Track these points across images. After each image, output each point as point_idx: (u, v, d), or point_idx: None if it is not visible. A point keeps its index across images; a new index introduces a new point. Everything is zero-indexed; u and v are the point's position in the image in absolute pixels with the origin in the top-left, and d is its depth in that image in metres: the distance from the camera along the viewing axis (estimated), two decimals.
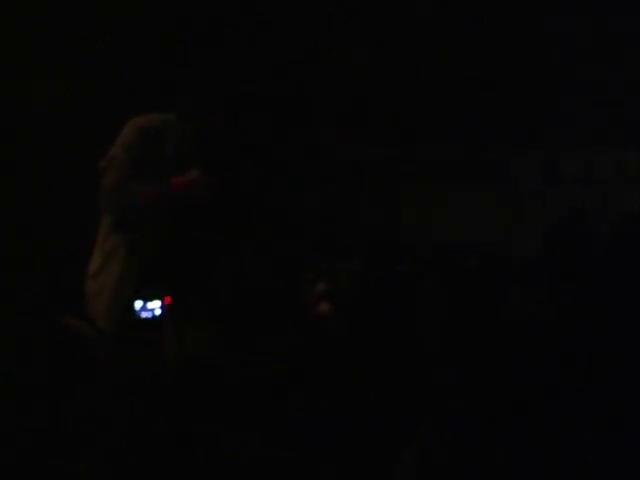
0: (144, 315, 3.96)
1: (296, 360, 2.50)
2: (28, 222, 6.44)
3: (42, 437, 2.12)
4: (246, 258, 4.18)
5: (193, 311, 3.84)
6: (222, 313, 3.95)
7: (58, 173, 6.17)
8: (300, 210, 7.24)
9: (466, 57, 7.23)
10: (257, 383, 2.33)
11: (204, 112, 3.71)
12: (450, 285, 3.60)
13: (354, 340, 2.80)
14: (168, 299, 3.96)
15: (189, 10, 7.26)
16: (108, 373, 2.16)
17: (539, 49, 7.13)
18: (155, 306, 3.94)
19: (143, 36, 6.67)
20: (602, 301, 3.62)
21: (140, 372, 2.12)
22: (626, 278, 3.68)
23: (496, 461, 2.57)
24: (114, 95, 6.30)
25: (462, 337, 3.03)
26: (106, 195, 3.61)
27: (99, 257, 3.76)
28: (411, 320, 3.36)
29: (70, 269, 5.18)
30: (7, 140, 6.71)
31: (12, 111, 6.77)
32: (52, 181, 6.56)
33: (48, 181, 6.63)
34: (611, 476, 2.51)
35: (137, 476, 2.00)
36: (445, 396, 2.82)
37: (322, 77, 7.41)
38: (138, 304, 3.88)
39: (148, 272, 3.82)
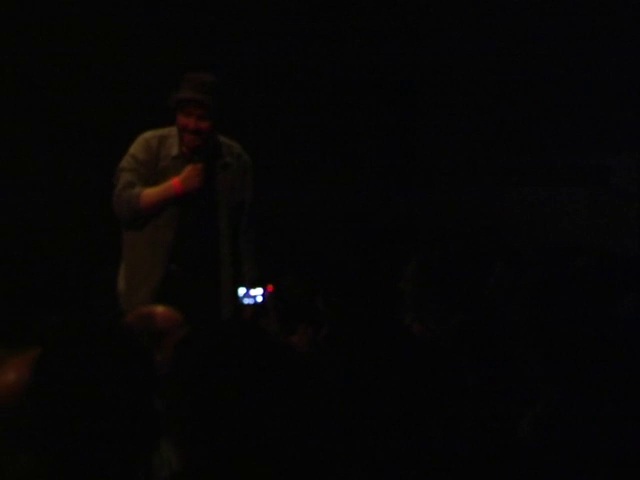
0: (247, 301, 4.18)
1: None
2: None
3: None
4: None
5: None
6: None
7: None
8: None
9: (566, 72, 7.55)
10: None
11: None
12: (556, 285, 3.35)
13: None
14: (270, 287, 4.19)
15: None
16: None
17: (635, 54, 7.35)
18: (257, 293, 4.17)
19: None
20: None
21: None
22: None
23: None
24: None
25: (568, 344, 2.71)
26: (113, 200, 4.19)
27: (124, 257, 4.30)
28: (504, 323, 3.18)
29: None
30: None
31: None
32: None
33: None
34: None
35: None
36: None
37: None
38: (241, 291, 4.16)
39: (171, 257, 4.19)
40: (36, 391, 1.88)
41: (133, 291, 4.19)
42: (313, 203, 7.78)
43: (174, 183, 4.17)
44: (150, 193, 4.16)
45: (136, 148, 4.22)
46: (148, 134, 4.26)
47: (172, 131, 4.24)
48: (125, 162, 4.21)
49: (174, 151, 4.23)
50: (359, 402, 2.09)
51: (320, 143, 7.97)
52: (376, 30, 7.75)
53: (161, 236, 4.20)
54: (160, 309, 3.29)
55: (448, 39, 7.79)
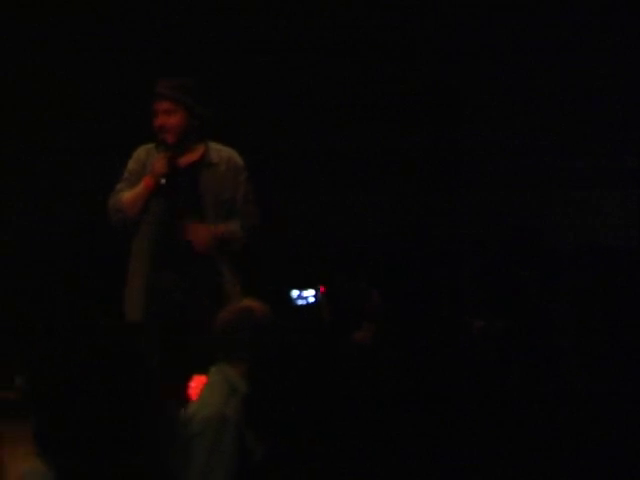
0: (300, 303, 4.39)
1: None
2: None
3: None
4: None
5: None
6: None
7: None
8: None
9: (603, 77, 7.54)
10: None
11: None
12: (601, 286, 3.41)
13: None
14: (322, 288, 4.37)
15: None
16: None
17: None
18: (309, 294, 4.39)
19: None
20: None
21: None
22: None
23: None
24: None
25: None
26: (108, 208, 4.40)
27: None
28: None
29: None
30: None
31: None
32: None
33: None
34: None
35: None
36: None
37: None
38: (294, 293, 4.33)
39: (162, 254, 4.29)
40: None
41: (130, 297, 4.29)
42: (362, 207, 7.83)
43: (145, 177, 4.30)
44: (129, 192, 4.31)
45: (131, 160, 4.41)
46: (140, 147, 4.43)
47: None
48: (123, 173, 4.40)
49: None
50: (415, 394, 2.15)
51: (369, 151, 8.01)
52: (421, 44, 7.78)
53: (147, 242, 4.28)
54: (255, 304, 3.55)
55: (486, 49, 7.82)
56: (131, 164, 4.41)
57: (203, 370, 3.73)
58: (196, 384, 4.00)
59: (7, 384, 3.73)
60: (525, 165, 8.02)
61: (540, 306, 4.23)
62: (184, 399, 3.70)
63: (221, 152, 4.38)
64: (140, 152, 4.42)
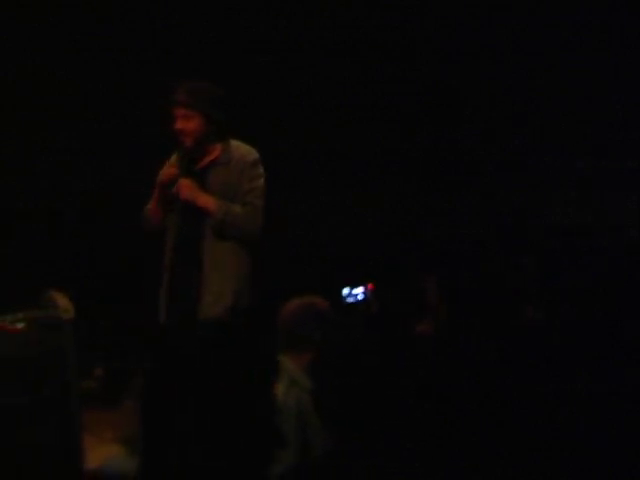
0: (350, 300, 4.50)
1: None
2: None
3: None
4: None
5: None
6: None
7: None
8: None
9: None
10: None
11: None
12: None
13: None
14: (371, 285, 4.43)
15: None
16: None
17: None
18: (359, 292, 4.49)
19: None
20: None
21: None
22: None
23: None
24: None
25: None
26: None
27: None
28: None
29: None
30: None
31: None
32: None
33: None
34: None
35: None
36: None
37: None
38: (345, 291, 4.38)
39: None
40: None
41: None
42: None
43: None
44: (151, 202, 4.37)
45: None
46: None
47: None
48: None
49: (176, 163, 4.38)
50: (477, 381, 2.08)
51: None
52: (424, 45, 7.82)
53: (168, 243, 4.27)
54: (315, 297, 3.67)
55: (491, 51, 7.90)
56: (160, 176, 4.41)
57: None
58: None
59: (88, 374, 3.69)
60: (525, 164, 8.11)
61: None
62: None
63: (236, 151, 4.37)
64: (172, 159, 4.43)
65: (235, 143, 4.38)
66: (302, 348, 3.63)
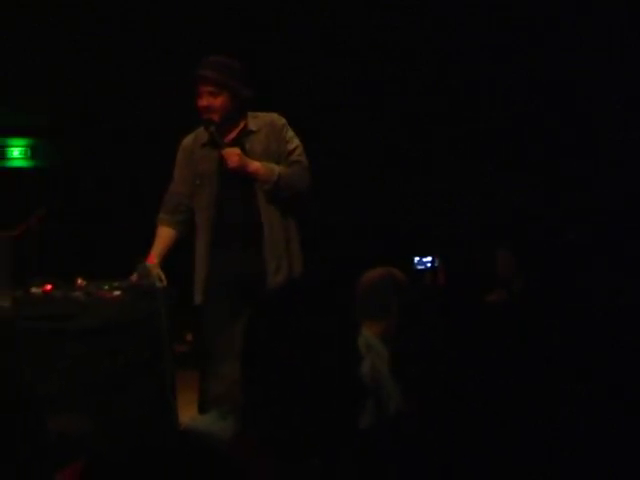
0: (420, 267, 4.57)
1: None
2: None
3: None
4: None
5: None
6: None
7: None
8: None
9: None
10: None
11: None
12: None
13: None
14: (439, 255, 4.49)
15: None
16: None
17: None
18: (428, 259, 4.57)
19: None
20: None
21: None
22: None
23: None
24: None
25: None
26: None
27: None
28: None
29: None
30: None
31: None
32: None
33: None
34: None
35: None
36: None
37: None
38: (416, 259, 4.45)
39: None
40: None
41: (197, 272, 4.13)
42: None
43: None
44: None
45: (179, 150, 4.33)
46: (186, 137, 4.34)
47: (200, 129, 4.28)
48: None
49: (203, 140, 4.23)
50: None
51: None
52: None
53: (203, 217, 4.16)
54: (392, 268, 3.59)
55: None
56: (179, 156, 4.35)
57: None
58: None
59: (179, 339, 3.76)
60: None
61: None
62: None
63: (261, 119, 4.26)
64: (185, 141, 4.34)
65: (252, 114, 4.25)
66: (379, 316, 3.65)
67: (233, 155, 4.06)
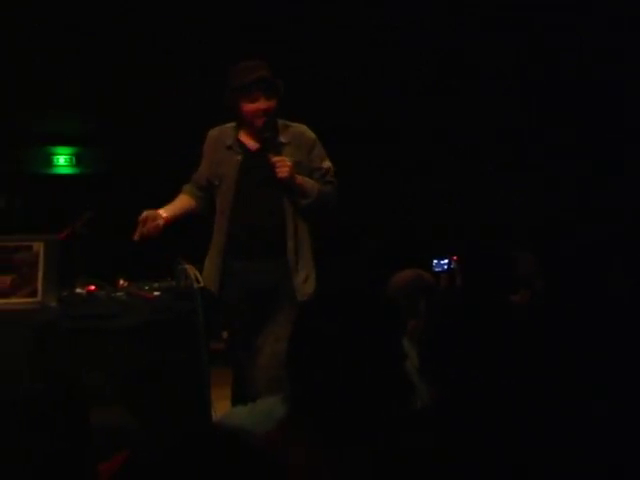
0: (438, 269, 4.62)
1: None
2: None
3: None
4: None
5: None
6: None
7: None
8: None
9: None
10: None
11: None
12: None
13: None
14: (455, 257, 4.50)
15: None
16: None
17: None
18: (445, 261, 4.63)
19: None
20: None
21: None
22: None
23: None
24: None
25: None
26: None
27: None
28: None
29: None
30: None
31: None
32: None
33: None
34: None
35: None
36: None
37: None
38: (435, 261, 4.49)
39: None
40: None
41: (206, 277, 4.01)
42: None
43: None
44: None
45: (206, 143, 4.16)
46: (215, 128, 4.15)
47: (233, 123, 4.11)
48: None
49: (228, 141, 4.06)
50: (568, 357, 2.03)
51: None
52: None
53: (218, 221, 4.03)
54: (419, 270, 3.67)
55: None
56: (206, 147, 4.16)
57: None
58: None
59: (215, 337, 3.79)
60: None
61: None
62: None
63: (291, 130, 4.05)
64: (212, 132, 4.16)
65: (282, 122, 4.05)
66: (408, 317, 3.66)
67: (284, 165, 3.86)
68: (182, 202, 4.19)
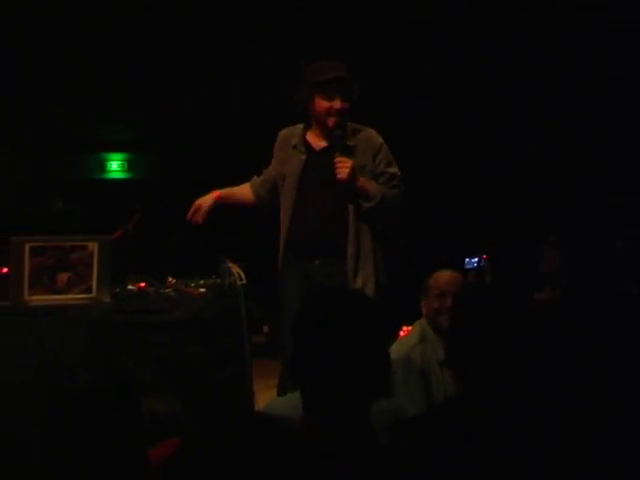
0: (469, 267, 4.67)
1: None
2: None
3: None
4: None
5: None
6: None
7: None
8: None
9: None
10: None
11: None
12: None
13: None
14: (485, 256, 4.55)
15: None
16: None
17: None
18: (476, 259, 4.73)
19: None
20: None
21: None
22: None
23: None
24: None
25: None
26: None
27: None
28: None
29: None
30: None
31: None
32: None
33: None
34: None
35: None
36: None
37: None
38: (466, 259, 4.56)
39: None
40: None
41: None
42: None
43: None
44: None
45: (277, 142, 4.02)
46: (286, 128, 3.99)
47: (301, 124, 3.93)
48: None
49: (294, 141, 3.89)
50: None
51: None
52: None
53: (282, 220, 3.87)
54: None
55: None
56: (276, 146, 3.99)
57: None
58: (403, 332, 4.06)
59: (257, 331, 3.80)
60: None
61: None
62: None
63: (358, 133, 3.84)
64: (283, 132, 3.97)
65: (353, 124, 3.83)
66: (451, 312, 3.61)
67: (345, 166, 3.66)
68: (241, 190, 4.14)
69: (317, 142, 3.85)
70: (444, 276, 3.64)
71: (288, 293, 3.78)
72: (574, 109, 7.74)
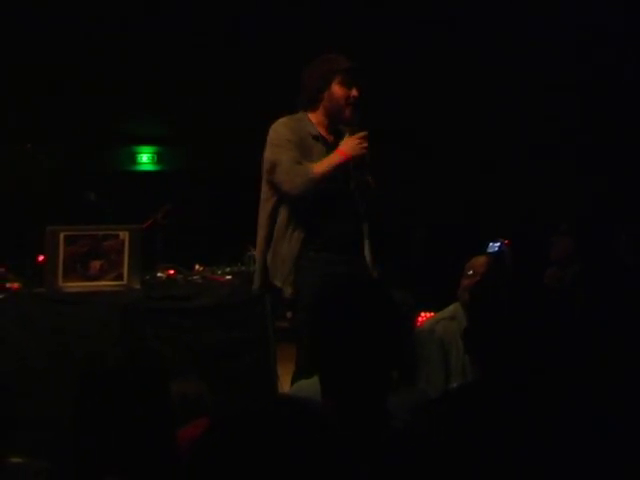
0: (490, 250, 4.80)
1: None
2: None
3: None
4: None
5: None
6: None
7: None
8: None
9: None
10: None
11: None
12: None
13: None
14: (507, 241, 4.60)
15: None
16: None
17: None
18: (497, 244, 4.87)
19: None
20: None
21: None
22: None
23: None
24: None
25: None
26: (283, 179, 3.54)
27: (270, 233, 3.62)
28: None
29: None
30: None
31: None
32: None
33: None
34: None
35: None
36: None
37: None
38: (490, 244, 4.67)
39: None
40: None
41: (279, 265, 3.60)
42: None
43: (339, 152, 3.56)
44: (321, 163, 3.55)
45: (281, 132, 3.62)
46: (283, 119, 3.69)
47: (301, 115, 3.70)
48: (277, 147, 3.60)
49: (313, 131, 3.64)
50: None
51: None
52: None
53: (301, 211, 3.60)
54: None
55: None
56: (290, 135, 3.59)
57: None
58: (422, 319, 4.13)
59: (281, 316, 3.81)
60: None
61: None
62: None
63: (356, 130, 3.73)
64: (289, 122, 3.65)
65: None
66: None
67: (366, 142, 3.54)
68: None
69: (327, 135, 3.71)
70: (479, 259, 3.89)
71: (307, 280, 3.54)
72: (589, 107, 7.68)
